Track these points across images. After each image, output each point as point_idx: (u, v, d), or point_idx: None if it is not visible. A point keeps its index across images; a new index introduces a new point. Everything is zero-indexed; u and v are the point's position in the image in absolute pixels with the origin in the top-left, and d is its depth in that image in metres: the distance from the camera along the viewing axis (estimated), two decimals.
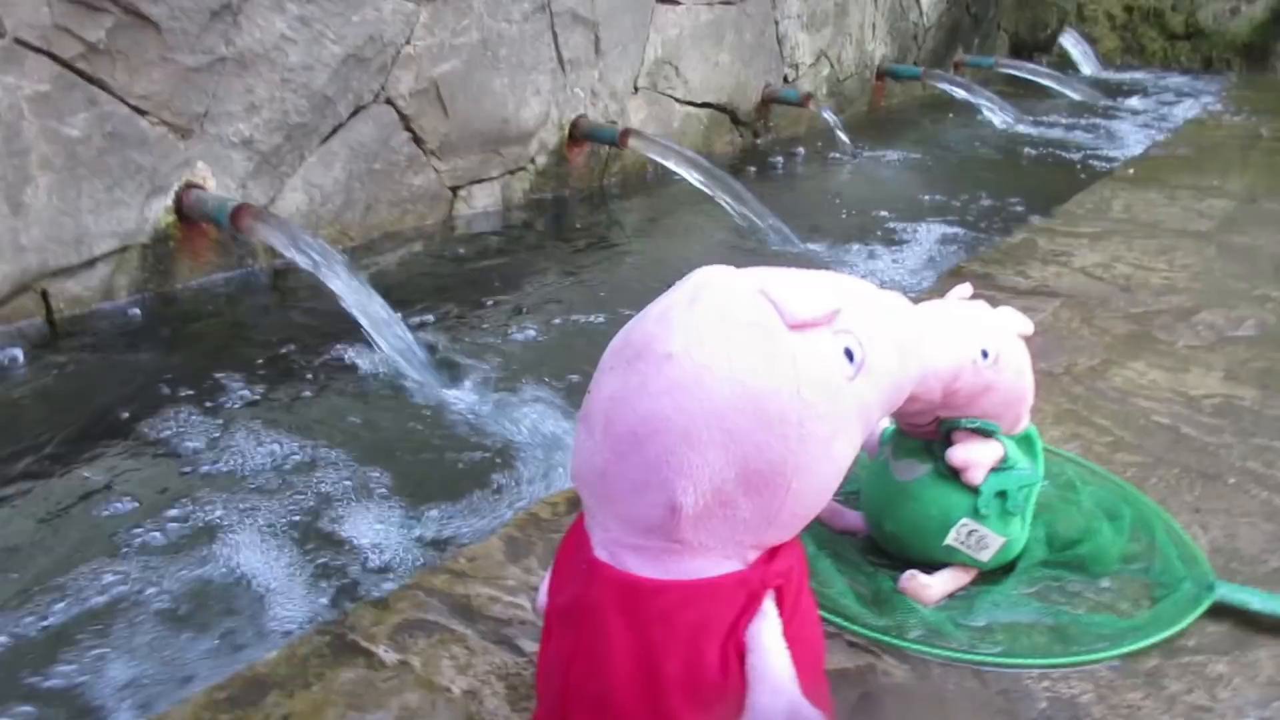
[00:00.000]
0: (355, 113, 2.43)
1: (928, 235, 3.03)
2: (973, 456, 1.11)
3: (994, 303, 2.07)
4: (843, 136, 3.75)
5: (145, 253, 2.11)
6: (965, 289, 1.21)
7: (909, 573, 1.13)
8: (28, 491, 1.58)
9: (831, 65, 4.34)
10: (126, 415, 1.76)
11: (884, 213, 3.20)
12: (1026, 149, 4.28)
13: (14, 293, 1.92)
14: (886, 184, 3.57)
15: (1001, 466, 1.13)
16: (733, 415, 0.74)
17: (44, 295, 1.98)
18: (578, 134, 3.02)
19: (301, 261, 1.94)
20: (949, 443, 1.12)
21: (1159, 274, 2.37)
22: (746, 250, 2.81)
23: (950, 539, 1.12)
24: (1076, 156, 4.13)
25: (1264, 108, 4.94)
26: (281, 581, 1.33)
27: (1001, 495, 1.13)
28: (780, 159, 3.89)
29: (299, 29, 2.22)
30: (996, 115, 4.48)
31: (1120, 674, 1.04)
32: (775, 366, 0.75)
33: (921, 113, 4.92)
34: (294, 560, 1.39)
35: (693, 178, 2.86)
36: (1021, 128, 4.49)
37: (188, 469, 1.64)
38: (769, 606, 0.76)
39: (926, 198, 3.38)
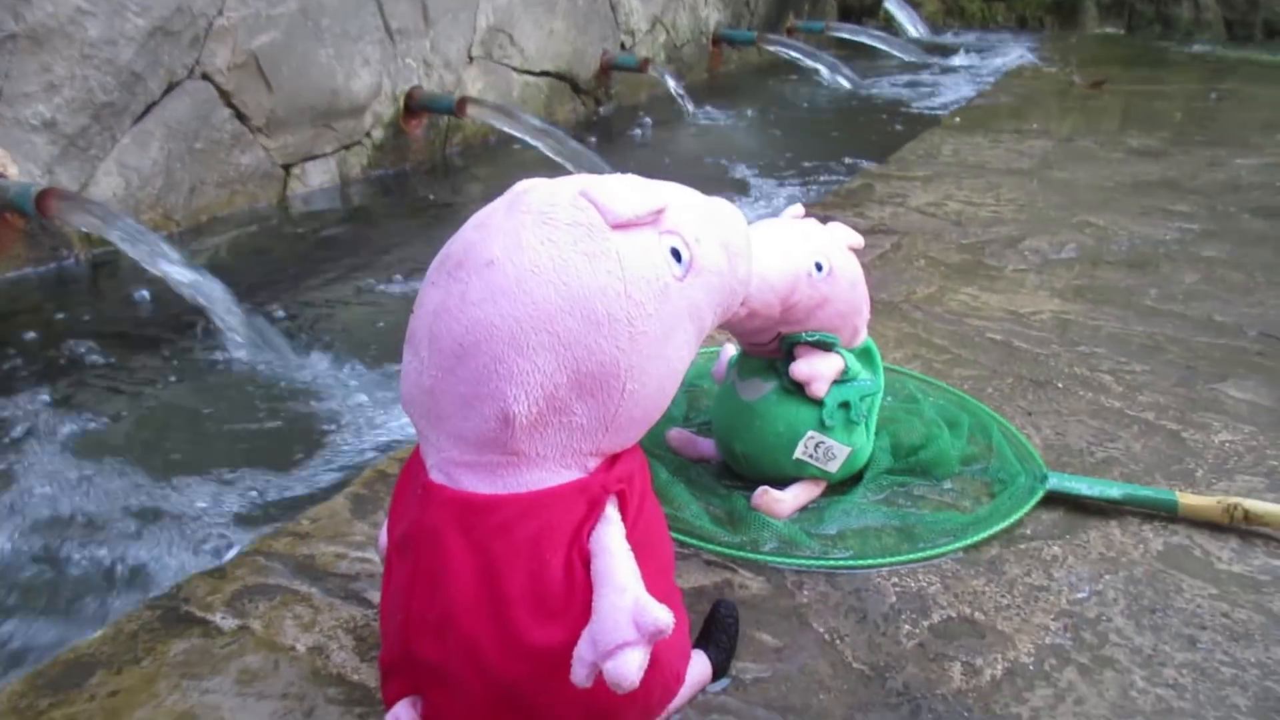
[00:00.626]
0: (169, 89, 2.29)
1: (771, 188, 3.08)
2: (815, 369, 1.13)
3: None
4: (684, 100, 3.78)
5: None
6: (798, 209, 1.22)
7: (761, 489, 1.14)
8: None
9: (668, 31, 4.35)
10: None
11: (727, 170, 3.23)
12: (861, 106, 4.41)
13: None
14: (730, 143, 3.61)
15: (843, 379, 1.15)
16: (560, 318, 0.72)
17: None
18: (414, 105, 2.94)
19: (120, 243, 1.82)
20: (791, 359, 1.14)
21: (987, 209, 2.47)
22: None
23: (798, 452, 1.14)
24: (907, 110, 4.27)
25: (1074, 59, 5.23)
26: (114, 563, 1.25)
27: (845, 406, 1.14)
28: (624, 124, 3.89)
29: (96, 1, 2.08)
30: (831, 75, 4.59)
31: (964, 565, 1.07)
32: (600, 266, 0.74)
33: (759, 77, 5.00)
34: (128, 540, 1.30)
35: (534, 140, 2.83)
36: (854, 86, 4.62)
37: (8, 458, 1.52)
38: (611, 512, 0.75)
39: (769, 154, 3.44)
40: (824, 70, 4.57)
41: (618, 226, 0.76)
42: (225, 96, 2.44)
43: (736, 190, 3.00)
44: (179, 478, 1.44)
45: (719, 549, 1.08)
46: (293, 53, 2.56)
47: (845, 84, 4.56)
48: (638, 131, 3.82)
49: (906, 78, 4.99)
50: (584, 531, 0.73)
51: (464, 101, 2.88)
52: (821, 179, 3.14)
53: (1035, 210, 2.46)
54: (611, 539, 0.73)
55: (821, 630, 0.97)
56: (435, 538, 0.75)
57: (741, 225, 0.89)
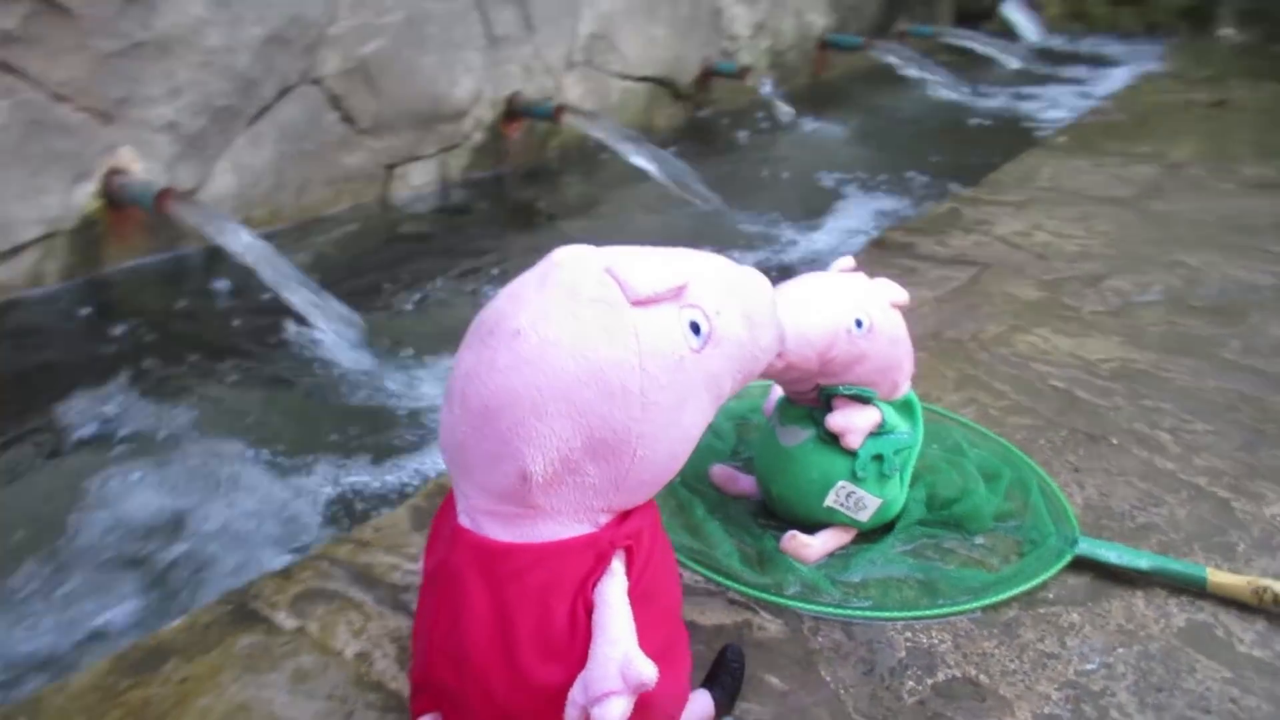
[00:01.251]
0: (282, 94, 2.44)
1: (861, 205, 3.08)
2: (850, 422, 1.17)
3: (913, 272, 2.14)
4: (783, 108, 3.79)
5: (73, 238, 2.12)
6: (847, 261, 1.26)
7: (790, 533, 1.19)
8: None
9: (772, 38, 4.36)
10: (55, 394, 1.78)
11: (820, 182, 3.24)
12: (966, 118, 4.34)
13: None
14: (825, 154, 3.61)
15: (879, 431, 1.18)
16: (577, 388, 0.79)
17: None
18: (513, 110, 3.04)
19: (225, 243, 1.96)
20: (829, 409, 1.18)
21: (1075, 241, 2.43)
22: (682, 222, 2.86)
23: (829, 500, 1.18)
24: (1013, 125, 4.19)
25: (1201, 74, 5.03)
26: (196, 554, 1.38)
27: (878, 458, 1.18)
28: (721, 130, 3.93)
29: (217, 11, 2.23)
30: (938, 85, 4.53)
31: (979, 625, 1.10)
32: (617, 340, 0.80)
33: (864, 83, 4.95)
34: (210, 534, 1.43)
35: (626, 152, 2.90)
36: (960, 97, 4.55)
37: (117, 444, 1.67)
38: (616, 566, 0.81)
39: (863, 167, 3.43)
40: (929, 79, 4.52)
41: (638, 303, 0.82)
42: (334, 101, 2.57)
43: (819, 207, 3.01)
44: (258, 473, 1.56)
45: (744, 589, 1.14)
46: (398, 59, 2.68)
47: (951, 94, 4.50)
48: (735, 138, 3.86)
49: (1018, 88, 4.88)
50: (590, 582, 0.80)
51: (561, 109, 2.96)
52: (911, 197, 3.13)
53: (1125, 245, 2.41)
54: (612, 593, 0.79)
55: (828, 679, 1.02)
56: (458, 577, 0.82)
57: (766, 296, 0.93)
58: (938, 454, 1.38)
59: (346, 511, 1.49)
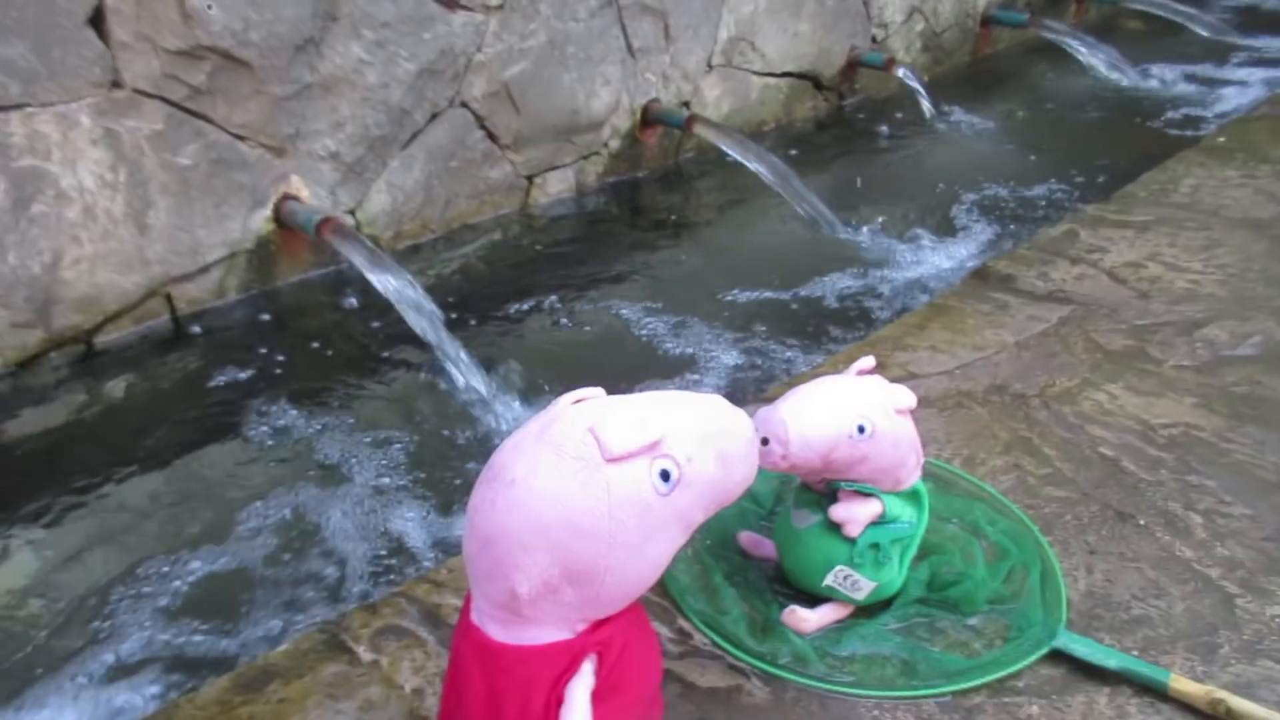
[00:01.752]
0: (432, 119, 2.70)
1: (986, 218, 3.09)
2: (850, 514, 1.32)
3: (1004, 310, 2.20)
4: (925, 104, 3.78)
5: (250, 257, 2.47)
6: (867, 361, 1.39)
7: (790, 608, 1.36)
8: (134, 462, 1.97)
9: (926, 19, 4.30)
10: (226, 393, 2.14)
11: (949, 190, 3.26)
12: (1126, 109, 4.16)
13: (144, 298, 2.32)
14: (959, 155, 3.59)
15: (880, 521, 1.33)
16: (555, 529, 0.99)
17: (168, 298, 2.37)
18: (649, 118, 3.21)
19: (372, 278, 2.26)
20: (835, 500, 1.34)
21: (1187, 277, 2.40)
22: (804, 234, 2.97)
23: (828, 580, 1.34)
24: (1176, 117, 4.00)
25: None
26: (306, 580, 1.69)
27: (875, 547, 1.33)
28: (864, 122, 3.96)
29: (375, 52, 2.50)
30: (1103, 67, 4.35)
31: (944, 710, 1.25)
32: (590, 492, 1.00)
33: (1026, 62, 4.80)
34: (316, 551, 1.74)
35: (753, 166, 3.02)
36: (1128, 81, 4.35)
37: (276, 456, 2.00)
38: (586, 667, 1.02)
39: (994, 173, 3.40)
40: (1095, 61, 4.34)
41: (612, 460, 1.01)
42: (479, 120, 2.82)
43: (940, 223, 3.04)
44: (369, 499, 1.85)
45: (742, 655, 1.32)
46: (540, 79, 2.90)
47: (1117, 77, 4.32)
48: (874, 134, 3.88)
49: (1200, 67, 4.61)
50: (563, 680, 1.01)
51: (691, 120, 3.11)
52: (1038, 210, 3.11)
53: (1241, 283, 2.36)
54: (575, 690, 1.00)
55: None
56: (464, 666, 1.06)
57: (742, 436, 1.10)
58: (952, 532, 1.50)
59: (437, 545, 1.76)
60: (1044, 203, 3.19)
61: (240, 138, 2.36)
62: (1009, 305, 2.27)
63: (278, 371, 2.25)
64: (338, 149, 2.53)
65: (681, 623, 1.38)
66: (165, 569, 1.73)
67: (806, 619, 1.35)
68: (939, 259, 2.82)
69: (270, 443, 2.04)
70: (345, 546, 1.74)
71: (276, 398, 2.17)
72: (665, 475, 1.03)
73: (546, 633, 1.03)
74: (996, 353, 2.07)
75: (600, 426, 1.02)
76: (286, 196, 2.47)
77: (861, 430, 1.29)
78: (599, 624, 1.05)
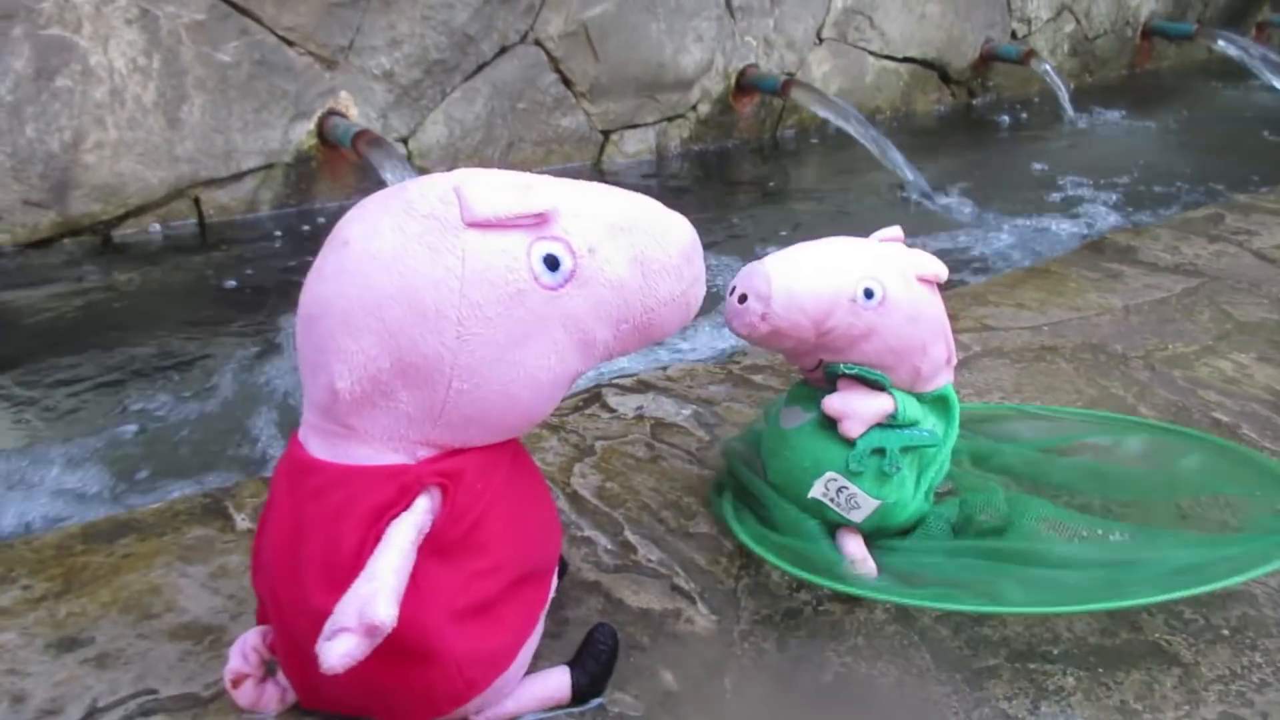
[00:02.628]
0: (501, 52, 2.53)
1: (1117, 212, 2.70)
2: (850, 406, 1.02)
3: (1115, 278, 1.86)
4: (1065, 101, 3.40)
5: (288, 171, 2.34)
6: (893, 230, 1.10)
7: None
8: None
9: (1078, 20, 3.93)
10: (246, 308, 1.98)
11: (1076, 188, 2.87)
12: None
13: (169, 196, 2.20)
14: (1093, 155, 3.19)
15: (890, 423, 1.03)
16: (388, 304, 0.74)
17: (196, 202, 2.25)
18: (745, 84, 2.96)
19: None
20: (834, 390, 1.04)
21: None
22: (906, 215, 2.65)
23: (815, 490, 1.03)
24: None
25: None
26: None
27: (879, 453, 1.03)
28: (989, 122, 3.60)
29: None
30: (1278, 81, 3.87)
31: (968, 681, 0.92)
32: (439, 261, 0.74)
33: (1193, 79, 4.34)
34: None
35: (857, 134, 2.73)
36: None
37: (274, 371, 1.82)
38: (421, 504, 0.75)
39: (1131, 172, 2.99)
40: (1269, 74, 3.87)
41: (474, 225, 0.75)
42: (554, 62, 2.64)
43: (1054, 210, 2.67)
44: None
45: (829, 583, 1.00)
46: (623, 25, 2.70)
47: None
48: (1002, 130, 3.52)
49: None
50: (388, 515, 0.75)
51: (789, 83, 2.85)
52: (1171, 208, 2.70)
53: None
54: (398, 530, 0.74)
55: (729, 688, 0.90)
56: (275, 486, 0.81)
57: (674, 241, 0.83)
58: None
59: None
60: (1170, 199, 2.78)
61: (288, 42, 2.23)
62: (1123, 274, 1.91)
63: (291, 294, 2.06)
64: (393, 68, 2.38)
65: (628, 534, 1.10)
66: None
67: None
68: (1040, 239, 2.46)
69: (273, 360, 1.85)
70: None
71: (277, 327, 1.98)
72: (552, 262, 0.77)
73: (378, 453, 0.77)
74: (1098, 314, 1.72)
75: (466, 185, 0.77)
76: (333, 112, 2.33)
77: (869, 295, 0.99)
78: (450, 453, 0.79)
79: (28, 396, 1.67)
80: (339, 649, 0.68)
